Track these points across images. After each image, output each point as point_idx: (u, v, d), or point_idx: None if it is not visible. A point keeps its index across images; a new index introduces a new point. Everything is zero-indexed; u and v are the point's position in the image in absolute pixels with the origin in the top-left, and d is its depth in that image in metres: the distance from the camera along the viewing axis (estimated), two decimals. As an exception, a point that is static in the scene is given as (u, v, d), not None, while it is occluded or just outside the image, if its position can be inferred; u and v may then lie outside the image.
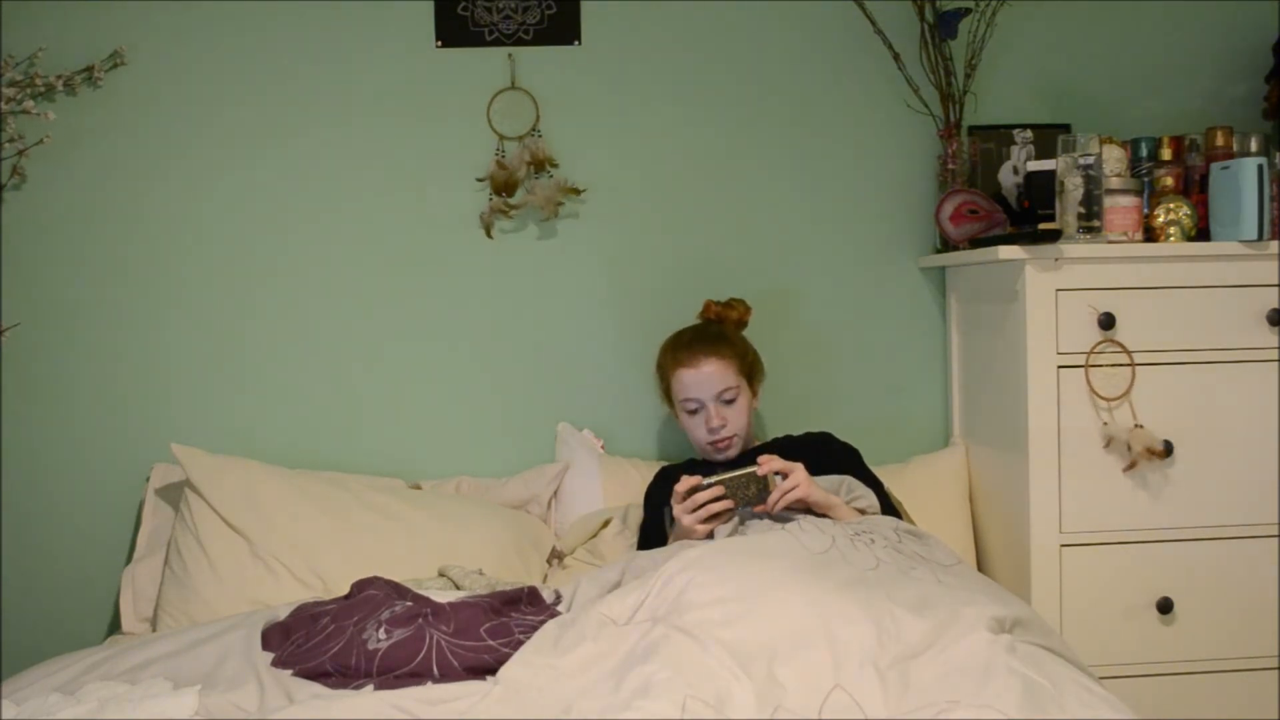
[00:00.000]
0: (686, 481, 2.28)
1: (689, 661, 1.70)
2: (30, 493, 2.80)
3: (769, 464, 2.26)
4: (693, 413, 2.58)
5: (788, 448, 2.53)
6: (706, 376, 2.54)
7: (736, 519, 2.28)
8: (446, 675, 1.82)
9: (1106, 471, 2.51)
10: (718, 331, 2.65)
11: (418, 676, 1.82)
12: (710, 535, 2.28)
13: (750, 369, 2.63)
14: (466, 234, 2.87)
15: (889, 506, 2.47)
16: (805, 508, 2.28)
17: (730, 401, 2.55)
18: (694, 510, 2.26)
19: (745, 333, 2.73)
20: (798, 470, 2.28)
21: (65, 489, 2.80)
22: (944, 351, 2.96)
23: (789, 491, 2.25)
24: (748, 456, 2.51)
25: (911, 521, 2.48)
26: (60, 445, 2.80)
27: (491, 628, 1.91)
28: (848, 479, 2.42)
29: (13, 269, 2.78)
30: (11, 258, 2.78)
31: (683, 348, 2.60)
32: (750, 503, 2.26)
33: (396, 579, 2.21)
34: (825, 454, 2.52)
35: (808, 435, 2.66)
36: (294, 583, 2.49)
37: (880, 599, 1.82)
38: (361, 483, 2.73)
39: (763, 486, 2.25)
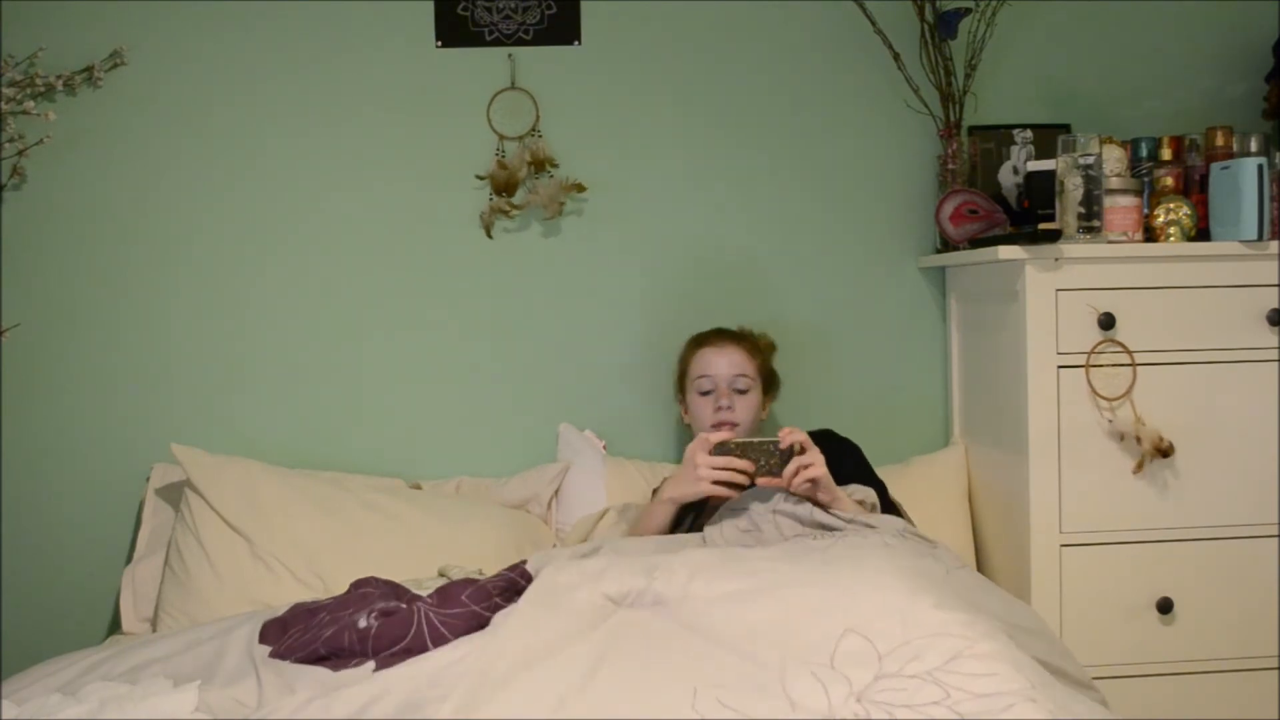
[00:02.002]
0: (719, 435, 2.29)
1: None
2: (30, 493, 2.80)
3: (792, 436, 2.24)
4: (704, 393, 2.57)
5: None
6: (727, 357, 2.57)
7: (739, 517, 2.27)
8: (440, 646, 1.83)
9: (1107, 471, 2.52)
10: (747, 332, 2.69)
11: (412, 653, 1.83)
12: (704, 505, 2.33)
13: (768, 378, 2.66)
14: (467, 234, 2.87)
15: (889, 505, 2.47)
16: (811, 492, 2.24)
17: (743, 391, 2.56)
18: (716, 468, 2.25)
19: None
20: (816, 450, 2.26)
21: (65, 489, 2.80)
22: (944, 351, 2.96)
23: (807, 467, 2.22)
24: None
25: (911, 522, 2.48)
26: (60, 445, 2.80)
27: (471, 593, 1.95)
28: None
29: (13, 269, 2.78)
30: (11, 258, 2.78)
31: (711, 332, 2.66)
32: (768, 473, 2.23)
33: (396, 579, 2.22)
34: (827, 451, 2.51)
35: (809, 434, 2.65)
36: (294, 583, 2.49)
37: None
38: (361, 483, 2.74)
39: (783, 460, 2.23)
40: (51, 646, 2.46)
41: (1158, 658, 2.53)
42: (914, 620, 1.71)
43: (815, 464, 2.24)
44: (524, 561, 2.11)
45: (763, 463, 2.24)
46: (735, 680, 1.66)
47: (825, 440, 2.59)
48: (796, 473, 2.21)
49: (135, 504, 2.81)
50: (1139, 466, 2.50)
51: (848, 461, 2.53)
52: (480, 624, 1.88)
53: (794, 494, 2.24)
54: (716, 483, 2.25)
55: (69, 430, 2.80)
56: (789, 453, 2.24)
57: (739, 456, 2.24)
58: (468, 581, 2.03)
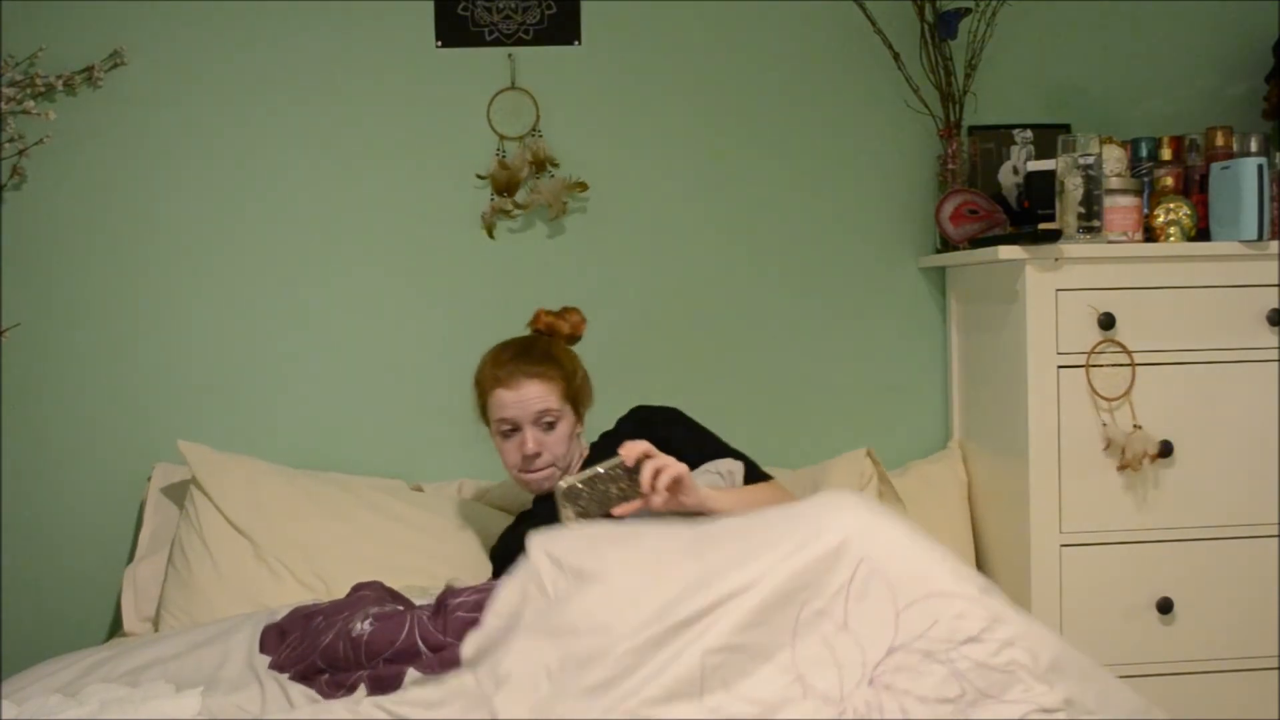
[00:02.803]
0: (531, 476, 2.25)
1: None
2: (31, 492, 2.80)
3: (635, 449, 2.02)
4: (506, 435, 2.33)
5: (616, 442, 2.25)
6: (525, 398, 2.29)
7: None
8: (436, 648, 1.83)
9: (1106, 471, 2.52)
10: (545, 349, 2.39)
11: (406, 655, 1.82)
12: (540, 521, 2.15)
13: (577, 393, 2.37)
14: (468, 234, 2.87)
15: (750, 469, 2.29)
16: (675, 498, 2.02)
17: (550, 425, 2.31)
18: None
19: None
20: (664, 455, 2.03)
21: (66, 489, 2.80)
22: (944, 352, 2.96)
23: (663, 470, 1.99)
24: (602, 453, 2.25)
25: (769, 476, 2.32)
26: (61, 445, 2.80)
27: (470, 604, 1.93)
28: (707, 469, 2.21)
29: (13, 269, 2.78)
30: (11, 258, 2.78)
31: (503, 364, 2.33)
32: (624, 497, 2.03)
33: (401, 583, 2.23)
34: (653, 428, 2.29)
35: (624, 419, 2.43)
36: (296, 585, 2.49)
37: None
38: (364, 484, 2.74)
39: (633, 478, 2.03)
40: (52, 646, 2.46)
41: (1158, 658, 2.53)
42: (930, 576, 1.63)
43: (670, 465, 2.01)
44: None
45: (614, 490, 2.03)
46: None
47: (647, 416, 2.41)
48: (654, 482, 1.99)
49: (137, 503, 2.81)
50: (1124, 466, 2.49)
51: (678, 431, 2.33)
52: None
53: (661, 510, 2.02)
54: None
55: (70, 430, 2.80)
56: (638, 469, 2.03)
57: (589, 493, 2.03)
58: (472, 590, 2.00)
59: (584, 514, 2.02)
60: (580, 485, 2.02)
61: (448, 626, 1.85)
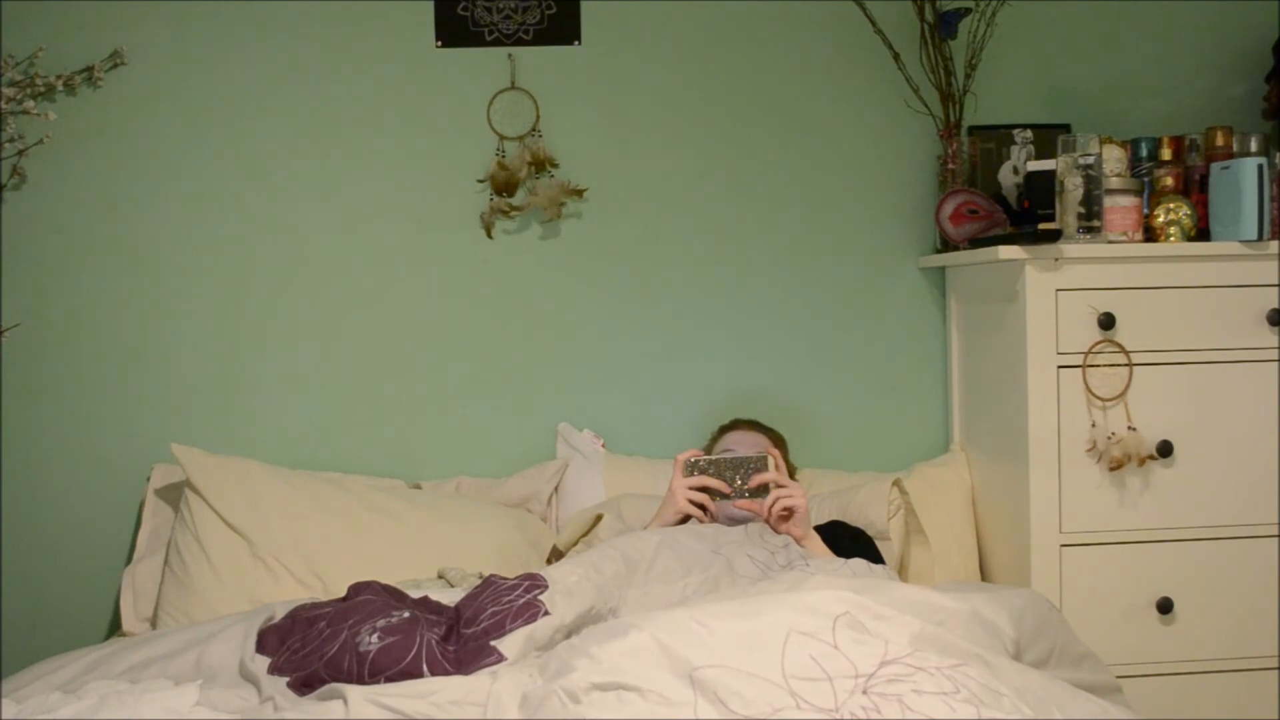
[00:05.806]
0: (690, 452, 2.36)
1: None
2: (30, 493, 2.80)
3: (765, 472, 2.30)
4: None
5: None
6: (749, 439, 2.56)
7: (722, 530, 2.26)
8: (437, 674, 1.82)
9: (1106, 471, 2.51)
10: (774, 430, 2.66)
11: (409, 676, 1.82)
12: (685, 519, 2.33)
13: (787, 466, 2.53)
14: (467, 234, 2.87)
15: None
16: (788, 523, 2.29)
17: None
18: (691, 488, 2.32)
19: None
20: (796, 484, 2.32)
21: (66, 489, 2.80)
22: (944, 352, 2.96)
23: (786, 497, 2.28)
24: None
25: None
26: (60, 445, 2.80)
27: (489, 625, 1.92)
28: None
29: (13, 269, 2.78)
30: (11, 258, 2.78)
31: (741, 421, 2.65)
32: (741, 495, 2.31)
33: (396, 579, 2.21)
34: (835, 540, 2.44)
35: (816, 528, 2.55)
36: (294, 583, 2.49)
37: None
38: (361, 483, 2.74)
39: (760, 483, 2.30)
40: (51, 646, 2.45)
41: (1158, 658, 2.53)
42: (927, 635, 1.68)
43: (794, 494, 2.29)
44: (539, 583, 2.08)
45: (738, 482, 2.32)
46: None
47: (833, 530, 2.53)
48: (776, 499, 2.28)
49: (135, 504, 2.81)
50: (1115, 467, 2.49)
51: (860, 550, 2.44)
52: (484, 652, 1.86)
53: (769, 520, 2.29)
54: (693, 501, 2.32)
55: (69, 430, 2.80)
56: (763, 465, 2.31)
57: (711, 474, 2.32)
58: (493, 604, 1.99)
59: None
60: (706, 464, 2.33)
61: (461, 653, 1.85)
